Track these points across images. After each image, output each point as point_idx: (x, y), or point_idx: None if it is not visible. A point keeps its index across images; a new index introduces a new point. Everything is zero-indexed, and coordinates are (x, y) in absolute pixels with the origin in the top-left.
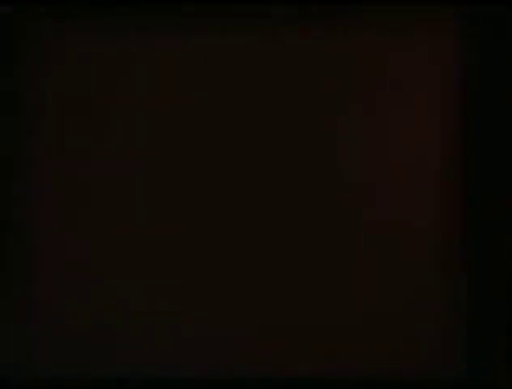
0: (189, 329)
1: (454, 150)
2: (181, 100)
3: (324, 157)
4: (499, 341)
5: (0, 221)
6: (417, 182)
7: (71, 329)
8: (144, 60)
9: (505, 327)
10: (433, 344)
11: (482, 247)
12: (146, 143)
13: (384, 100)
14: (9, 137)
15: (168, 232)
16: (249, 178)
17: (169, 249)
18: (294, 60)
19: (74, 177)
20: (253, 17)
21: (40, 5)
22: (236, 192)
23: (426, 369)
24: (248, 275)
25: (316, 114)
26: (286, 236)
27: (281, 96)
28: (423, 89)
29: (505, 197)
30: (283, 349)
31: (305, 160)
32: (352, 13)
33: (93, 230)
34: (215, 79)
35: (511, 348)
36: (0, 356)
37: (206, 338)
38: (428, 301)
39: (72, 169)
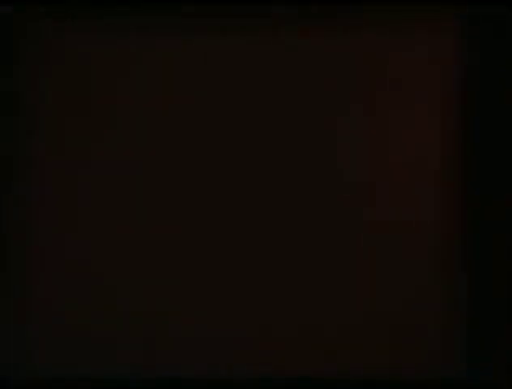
0: (189, 329)
1: (454, 150)
2: (181, 100)
3: (324, 157)
4: (499, 341)
5: (0, 221)
6: (417, 182)
7: (71, 329)
8: (144, 60)
9: (505, 327)
10: (433, 344)
11: (482, 247)
12: (146, 143)
13: (384, 100)
14: (9, 137)
15: (167, 232)
16: (250, 178)
17: (169, 249)
18: (294, 60)
19: (74, 177)
20: (253, 17)
21: (40, 5)
22: (236, 192)
23: (426, 369)
24: (248, 275)
25: (316, 114)
26: (286, 236)
27: (281, 96)
28: (423, 89)
29: (505, 197)
30: (283, 349)
31: (305, 160)
32: (352, 13)
33: (93, 230)
34: (215, 78)
35: (511, 348)
36: (0, 356)
37: (206, 338)
38: (428, 301)
39: (72, 169)
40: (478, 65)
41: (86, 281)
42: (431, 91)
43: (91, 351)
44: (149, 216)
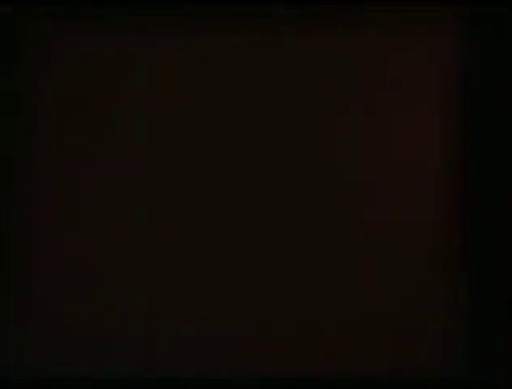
0: (189, 329)
1: (454, 150)
2: (181, 100)
3: (324, 157)
4: (499, 341)
5: (0, 221)
6: (417, 182)
7: (71, 329)
8: (144, 60)
9: (505, 327)
10: (433, 343)
11: (482, 247)
12: (146, 143)
13: (384, 100)
14: (9, 137)
15: (168, 232)
16: (249, 178)
17: (169, 249)
18: (294, 60)
19: (74, 177)
20: (253, 17)
21: (40, 5)
22: (236, 192)
23: (426, 369)
24: (248, 275)
25: (316, 114)
26: (286, 236)
27: (281, 96)
28: (423, 89)
29: (505, 197)
30: (283, 349)
31: (305, 160)
32: (352, 13)
33: (93, 230)
34: (215, 78)
35: (511, 348)
36: (0, 356)
37: (206, 338)
38: (429, 301)
39: (72, 169)
40: (478, 65)
41: (86, 281)
42: (431, 91)
43: (91, 351)
44: (149, 216)
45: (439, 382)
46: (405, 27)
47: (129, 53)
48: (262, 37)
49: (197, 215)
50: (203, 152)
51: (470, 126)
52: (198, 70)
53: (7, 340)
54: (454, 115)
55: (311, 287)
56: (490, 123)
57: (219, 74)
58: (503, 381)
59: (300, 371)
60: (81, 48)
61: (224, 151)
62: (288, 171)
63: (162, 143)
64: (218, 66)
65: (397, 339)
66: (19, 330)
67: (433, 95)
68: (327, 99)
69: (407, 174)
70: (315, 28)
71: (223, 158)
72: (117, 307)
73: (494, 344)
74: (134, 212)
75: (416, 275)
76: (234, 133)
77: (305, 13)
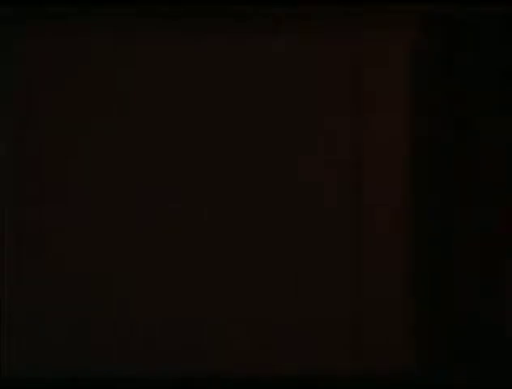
0: (189, 329)
1: (453, 153)
2: (181, 100)
3: (322, 157)
4: (453, 340)
5: (0, 221)
6: (390, 184)
7: (71, 329)
8: (144, 60)
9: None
10: (387, 340)
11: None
12: (145, 143)
13: (382, 100)
14: (9, 137)
15: (168, 232)
16: (247, 177)
17: (169, 249)
18: (293, 60)
19: (74, 177)
20: (253, 17)
21: (40, 5)
22: (235, 191)
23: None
24: (246, 276)
25: (315, 114)
26: (283, 236)
27: (280, 95)
28: (419, 89)
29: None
30: (284, 349)
31: (304, 159)
32: (351, 14)
33: (93, 230)
34: (214, 79)
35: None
36: None
37: (205, 338)
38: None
39: (72, 169)
40: (474, 65)
41: (85, 281)
42: (428, 91)
43: (90, 351)
44: (148, 217)
45: (398, 377)
46: (402, 27)
47: (129, 53)
48: (262, 37)
49: (196, 215)
50: (203, 153)
51: (468, 127)
52: (197, 70)
53: (6, 340)
54: (451, 116)
55: (307, 286)
56: (489, 123)
57: (218, 74)
58: (460, 379)
59: (301, 371)
60: (80, 48)
61: (223, 150)
62: (286, 170)
63: (161, 144)
64: (217, 67)
65: (356, 337)
66: (18, 330)
67: (429, 94)
68: (327, 99)
69: (383, 175)
70: (314, 28)
71: (222, 157)
72: (117, 307)
73: (448, 343)
74: (133, 213)
75: (377, 275)
76: (233, 133)
77: (305, 13)
